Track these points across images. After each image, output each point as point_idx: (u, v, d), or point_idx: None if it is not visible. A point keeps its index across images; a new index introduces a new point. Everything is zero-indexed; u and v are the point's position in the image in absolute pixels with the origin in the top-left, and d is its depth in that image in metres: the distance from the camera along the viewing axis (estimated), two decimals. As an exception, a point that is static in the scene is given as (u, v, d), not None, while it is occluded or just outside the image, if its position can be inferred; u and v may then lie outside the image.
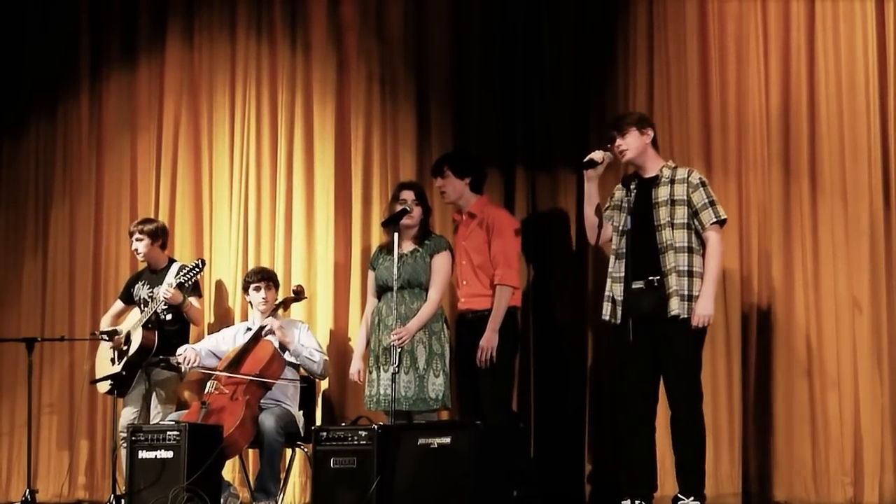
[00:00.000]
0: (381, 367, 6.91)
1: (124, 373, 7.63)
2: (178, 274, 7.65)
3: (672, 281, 6.16)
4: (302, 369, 7.44)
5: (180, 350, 7.41)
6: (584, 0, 7.72)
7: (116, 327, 7.94)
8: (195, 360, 7.29)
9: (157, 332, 7.68)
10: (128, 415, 7.77)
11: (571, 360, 7.49)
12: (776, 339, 6.97)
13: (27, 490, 7.92)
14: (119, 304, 8.23)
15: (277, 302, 7.55)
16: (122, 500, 6.89)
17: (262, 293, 7.48)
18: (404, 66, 8.19)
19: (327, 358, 7.57)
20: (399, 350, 6.76)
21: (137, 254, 8.01)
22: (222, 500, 7.01)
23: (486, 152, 7.58)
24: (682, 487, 6.21)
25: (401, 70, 8.20)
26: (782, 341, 6.96)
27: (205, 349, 7.49)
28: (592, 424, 7.40)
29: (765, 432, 6.96)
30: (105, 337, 7.82)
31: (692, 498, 6.14)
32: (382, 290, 7.06)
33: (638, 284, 6.24)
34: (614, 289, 6.33)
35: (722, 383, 7.02)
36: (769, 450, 6.94)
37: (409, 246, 7.06)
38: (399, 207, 6.99)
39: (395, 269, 6.73)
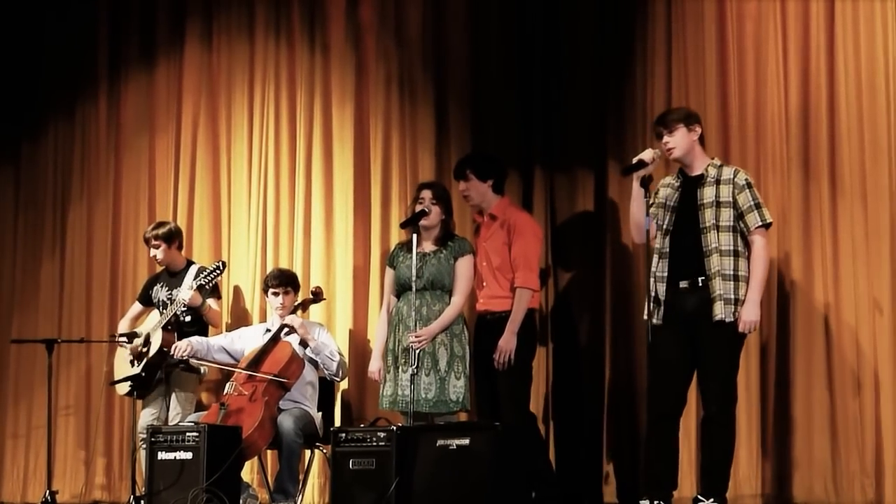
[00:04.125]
0: (400, 367, 6.90)
1: (143, 374, 7.64)
2: (197, 276, 7.67)
3: (717, 285, 6.12)
4: (321, 370, 7.43)
5: (176, 343, 7.40)
6: (602, 0, 7.71)
7: (135, 330, 7.95)
8: (186, 350, 7.27)
9: (176, 334, 7.69)
10: (147, 416, 7.78)
11: (590, 360, 7.48)
12: (795, 340, 6.95)
13: (47, 491, 7.93)
14: (137, 307, 8.25)
15: (296, 304, 7.54)
16: (142, 501, 6.91)
17: (280, 298, 7.47)
18: (423, 67, 8.19)
19: (345, 361, 7.56)
20: (418, 351, 6.75)
21: (157, 260, 8.02)
22: (241, 501, 7.02)
23: (505, 153, 7.57)
24: (705, 489, 6.20)
25: (419, 71, 8.20)
26: (802, 342, 6.93)
27: (217, 344, 7.49)
28: (611, 425, 7.39)
29: (784, 433, 6.94)
30: (124, 340, 7.84)
31: (713, 500, 6.12)
32: (402, 289, 7.05)
33: (683, 284, 6.21)
34: (657, 288, 6.28)
35: (741, 383, 6.93)
36: (788, 450, 6.92)
37: (430, 246, 7.05)
38: (419, 207, 6.99)
39: (414, 271, 6.73)
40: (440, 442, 6.13)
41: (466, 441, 6.08)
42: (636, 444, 7.20)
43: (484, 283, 7.06)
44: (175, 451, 6.61)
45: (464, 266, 7.02)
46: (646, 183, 6.15)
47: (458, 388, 6.88)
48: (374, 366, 7.18)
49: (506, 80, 7.90)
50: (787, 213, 7.02)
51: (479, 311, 7.11)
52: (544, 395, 7.54)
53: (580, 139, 7.65)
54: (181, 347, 7.29)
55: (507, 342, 6.84)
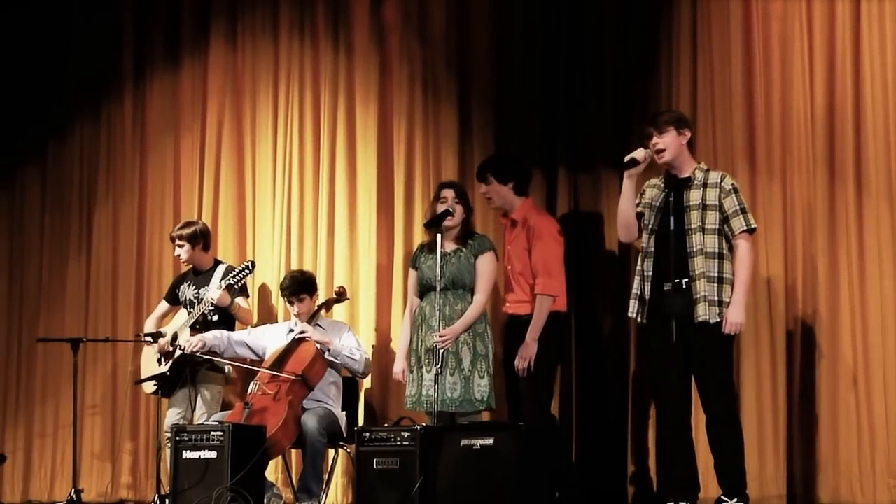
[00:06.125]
0: (424, 368, 6.91)
1: (169, 373, 7.66)
2: (225, 276, 7.69)
3: (700, 286, 6.14)
4: (344, 369, 7.45)
5: (189, 338, 7.42)
6: (627, 0, 7.70)
7: (161, 329, 7.98)
8: (197, 346, 7.29)
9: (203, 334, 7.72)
10: (172, 415, 7.80)
11: (613, 361, 7.48)
12: (821, 341, 6.93)
13: (72, 490, 7.97)
14: (164, 306, 8.27)
15: (319, 304, 7.55)
16: (167, 500, 6.93)
17: (295, 307, 7.48)
18: (446, 66, 8.19)
19: (368, 357, 7.57)
20: (442, 351, 6.76)
21: (181, 259, 8.04)
22: (265, 501, 7.04)
23: (528, 153, 7.57)
24: (725, 489, 6.20)
25: (443, 71, 8.20)
26: (827, 343, 6.92)
27: (240, 340, 7.50)
28: (635, 425, 7.38)
29: (809, 434, 6.92)
30: (150, 339, 7.86)
31: (735, 500, 6.13)
32: (425, 290, 7.06)
33: (667, 286, 6.22)
34: (642, 287, 6.33)
35: (766, 384, 6.99)
36: (814, 451, 6.91)
37: (451, 245, 7.05)
38: (440, 207, 7.00)
39: (438, 271, 6.73)
40: (464, 442, 6.14)
41: (490, 441, 6.09)
42: (660, 444, 7.18)
43: (510, 287, 7.07)
44: (200, 450, 6.63)
45: (484, 264, 7.01)
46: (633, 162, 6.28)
47: (482, 387, 6.88)
48: (399, 367, 7.18)
49: (530, 80, 7.89)
50: (812, 213, 7.00)
51: (507, 313, 7.12)
52: (569, 396, 7.53)
53: (604, 139, 7.64)
54: (193, 343, 7.31)
55: (528, 348, 6.84)
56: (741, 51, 7.29)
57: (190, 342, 7.33)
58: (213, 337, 7.42)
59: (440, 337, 6.76)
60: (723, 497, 6.16)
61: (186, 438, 6.70)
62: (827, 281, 6.94)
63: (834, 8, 7.07)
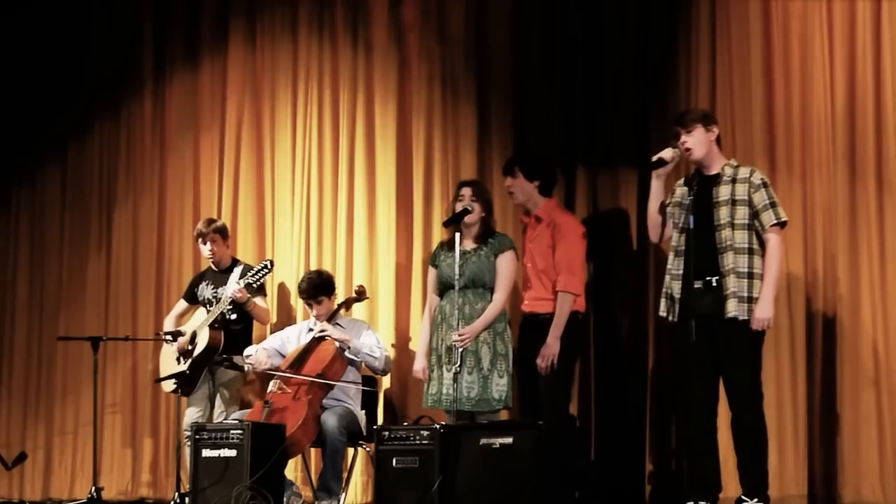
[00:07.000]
0: (444, 366, 6.91)
1: (189, 372, 7.68)
2: (244, 274, 7.71)
3: (731, 282, 6.13)
4: (364, 366, 7.46)
5: (249, 351, 7.47)
6: (646, -1, 7.70)
7: (180, 328, 8.00)
8: (266, 363, 7.35)
9: (222, 332, 7.73)
10: (192, 414, 7.83)
11: (632, 360, 7.46)
12: (842, 341, 6.90)
13: (93, 487, 7.99)
14: (182, 304, 8.29)
15: (339, 303, 7.56)
16: (187, 498, 6.95)
17: (314, 310, 7.50)
18: (465, 65, 8.19)
19: (388, 354, 7.57)
20: (462, 350, 6.76)
21: (212, 254, 8.03)
22: (285, 499, 7.06)
23: (547, 152, 7.54)
24: (746, 489, 6.19)
25: (462, 70, 8.20)
26: (848, 343, 6.89)
27: (272, 349, 7.53)
28: (653, 424, 7.37)
29: (830, 434, 6.89)
30: (169, 338, 7.88)
31: (756, 500, 6.11)
32: (444, 288, 7.05)
33: (697, 284, 6.21)
34: (673, 286, 6.32)
35: (786, 384, 6.97)
36: (835, 451, 6.88)
37: (470, 244, 7.04)
38: (460, 205, 7.00)
39: (457, 269, 6.74)
40: (483, 441, 6.14)
41: (510, 440, 6.09)
42: (679, 444, 7.17)
43: (529, 284, 7.06)
44: (219, 448, 6.66)
45: (504, 263, 7.01)
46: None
47: (500, 386, 6.88)
48: (419, 365, 7.18)
49: (548, 79, 7.88)
50: (833, 213, 6.98)
51: (525, 311, 7.11)
52: (587, 395, 7.52)
53: (623, 138, 7.63)
54: (261, 360, 7.35)
55: (551, 346, 6.84)
56: (760, 49, 7.26)
57: (258, 361, 7.37)
58: (265, 350, 7.45)
59: (459, 336, 6.76)
60: (743, 497, 6.15)
61: (206, 437, 6.72)
62: (848, 280, 6.91)
63: (854, 7, 7.03)
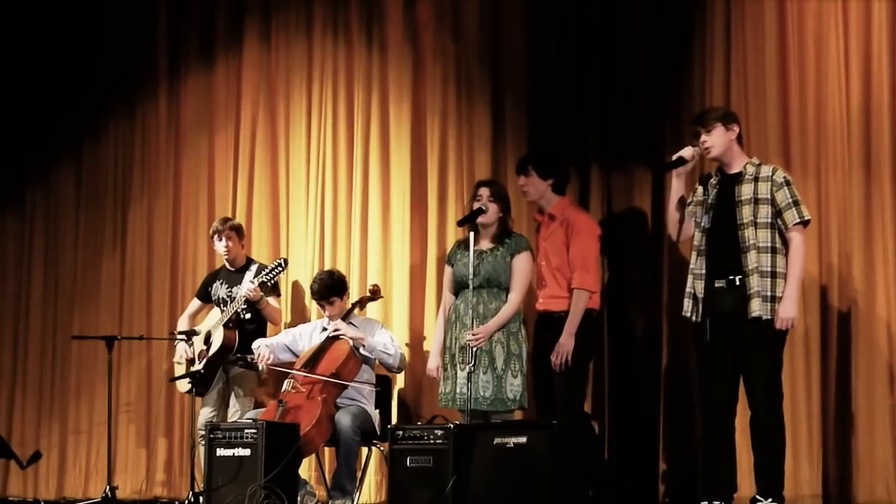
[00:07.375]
0: (458, 366, 6.91)
1: (204, 371, 7.69)
2: (258, 273, 7.72)
3: (754, 281, 6.11)
4: (378, 364, 7.46)
5: (255, 345, 7.48)
6: (660, -2, 7.69)
7: (194, 327, 8.01)
8: (269, 357, 7.36)
9: (237, 332, 7.74)
10: (206, 413, 7.84)
11: (646, 359, 7.46)
12: (856, 341, 6.89)
13: (107, 487, 8.00)
14: (196, 303, 8.31)
15: (353, 302, 7.57)
16: (201, 498, 6.96)
17: (326, 311, 7.51)
18: (480, 65, 8.19)
19: (402, 352, 7.57)
20: (476, 349, 6.76)
21: (227, 251, 8.04)
22: (299, 498, 7.07)
23: (561, 151, 7.54)
24: (761, 489, 6.17)
25: (476, 69, 8.20)
26: (863, 343, 6.88)
27: (281, 344, 7.54)
28: (667, 424, 7.36)
29: (845, 433, 6.89)
30: (183, 337, 7.89)
31: (770, 500, 6.09)
32: (460, 287, 7.05)
33: (719, 283, 6.20)
34: (696, 286, 6.30)
35: (801, 384, 6.95)
36: (849, 451, 6.87)
37: (487, 244, 7.04)
38: (476, 205, 7.00)
39: (471, 269, 6.73)
40: (497, 440, 6.14)
41: (524, 439, 6.09)
42: (693, 443, 7.16)
43: (544, 283, 7.06)
44: (233, 447, 6.66)
45: (521, 263, 7.01)
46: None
47: (514, 386, 6.87)
48: (433, 363, 7.19)
49: (563, 79, 7.88)
50: (848, 213, 6.96)
51: (539, 310, 7.10)
52: (601, 394, 7.51)
53: (637, 138, 7.62)
54: (264, 356, 7.36)
55: (565, 343, 6.84)
56: (775, 49, 7.25)
57: (261, 356, 7.38)
58: (269, 345, 7.45)
59: (473, 335, 6.76)
60: (758, 496, 6.14)
61: (220, 436, 6.73)
62: (863, 280, 6.90)
63: (870, 6, 7.02)
